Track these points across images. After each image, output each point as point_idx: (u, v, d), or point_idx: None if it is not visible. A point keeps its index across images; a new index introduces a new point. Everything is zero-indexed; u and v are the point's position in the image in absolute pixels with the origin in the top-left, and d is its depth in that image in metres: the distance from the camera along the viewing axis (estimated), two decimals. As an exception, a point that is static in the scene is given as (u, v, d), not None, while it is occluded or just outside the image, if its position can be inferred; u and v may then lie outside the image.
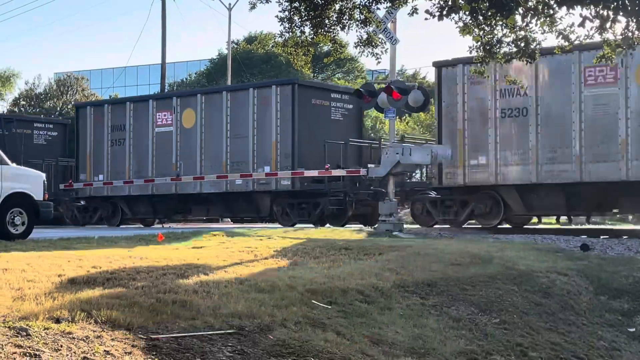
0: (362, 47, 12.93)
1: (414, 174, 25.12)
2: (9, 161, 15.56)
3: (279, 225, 24.04)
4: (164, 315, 6.97)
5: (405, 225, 20.71)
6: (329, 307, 8.42)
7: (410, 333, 8.32)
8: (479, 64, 12.45)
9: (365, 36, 12.90)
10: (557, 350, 9.44)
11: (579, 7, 9.86)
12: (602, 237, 18.92)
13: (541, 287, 11.51)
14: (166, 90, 46.41)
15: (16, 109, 56.89)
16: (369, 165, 21.68)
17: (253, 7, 12.73)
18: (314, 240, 14.37)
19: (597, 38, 10.71)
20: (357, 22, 12.57)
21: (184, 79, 61.73)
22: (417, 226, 22.69)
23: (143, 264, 9.64)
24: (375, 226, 20.26)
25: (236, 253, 11.71)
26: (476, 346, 8.67)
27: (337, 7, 12.34)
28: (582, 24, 9.93)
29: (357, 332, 7.87)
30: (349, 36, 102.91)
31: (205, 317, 7.13)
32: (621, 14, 10.00)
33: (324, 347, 7.11)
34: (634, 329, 11.04)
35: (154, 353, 6.10)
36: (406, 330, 8.39)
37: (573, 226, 25.83)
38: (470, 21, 10.88)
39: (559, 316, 10.65)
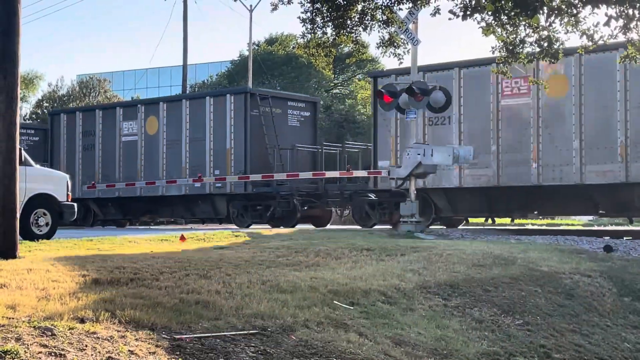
0: (384, 47, 12.92)
1: None
2: (32, 162, 15.69)
3: None
4: (187, 316, 7.00)
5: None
6: (351, 308, 8.42)
7: (433, 334, 8.30)
8: (501, 64, 12.41)
9: (387, 37, 12.89)
10: (581, 352, 9.39)
11: (604, 6, 9.80)
12: (625, 238, 18.77)
13: (564, 288, 11.44)
14: (188, 91, 46.37)
15: (39, 111, 57.32)
16: (390, 167, 21.58)
17: (275, 8, 12.75)
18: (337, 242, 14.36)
19: (621, 38, 10.64)
20: (379, 23, 12.55)
21: (205, 80, 61.96)
22: (439, 227, 22.39)
23: (166, 264, 9.68)
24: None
25: (258, 254, 11.73)
26: (499, 347, 8.63)
27: (359, 7, 12.34)
28: (607, 23, 9.87)
29: (380, 333, 7.86)
30: (370, 37, 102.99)
31: (228, 318, 7.15)
32: (647, 13, 9.92)
33: (347, 347, 7.11)
34: (658, 331, 10.93)
35: (178, 353, 6.13)
36: (429, 331, 8.37)
37: (596, 227, 25.67)
38: (494, 21, 10.85)
39: (583, 318, 10.58)
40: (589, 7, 10.17)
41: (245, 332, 6.88)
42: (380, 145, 23.39)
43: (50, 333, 5.95)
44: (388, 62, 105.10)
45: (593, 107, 20.00)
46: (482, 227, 24.16)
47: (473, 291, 10.23)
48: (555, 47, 11.21)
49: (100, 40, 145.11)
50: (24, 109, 57.21)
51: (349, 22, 12.51)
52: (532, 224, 27.10)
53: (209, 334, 6.64)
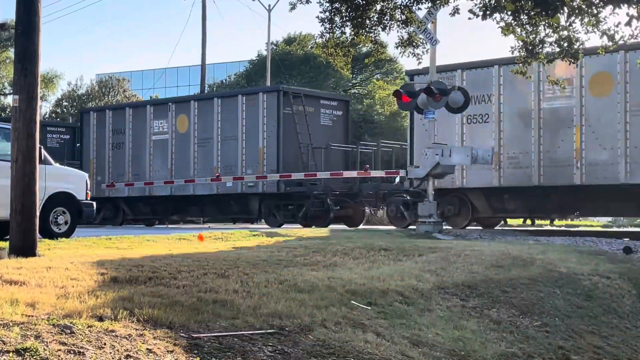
0: (403, 47, 12.91)
1: None
2: (52, 161, 15.76)
3: None
4: (205, 315, 7.01)
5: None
6: (369, 308, 8.41)
7: (451, 335, 8.27)
8: (520, 65, 12.36)
9: (406, 36, 12.88)
10: (600, 354, 9.33)
11: (625, 5, 9.73)
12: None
13: (583, 289, 11.38)
14: (206, 91, 46.45)
15: (58, 110, 57.65)
16: (409, 167, 21.52)
17: (293, 7, 12.76)
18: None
19: (642, 37, 10.57)
20: (397, 23, 12.54)
21: (223, 80, 62.08)
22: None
23: (184, 263, 9.70)
24: (415, 227, 20.14)
25: (275, 253, 11.74)
26: (517, 349, 8.59)
27: (378, 7, 12.33)
28: (628, 23, 9.81)
29: (397, 333, 7.84)
30: (389, 37, 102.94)
31: (246, 317, 7.15)
32: (669, 12, 9.85)
33: (364, 347, 7.10)
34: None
35: (196, 352, 6.13)
36: (446, 332, 8.34)
37: (615, 228, 25.51)
38: (513, 21, 10.81)
39: (602, 319, 10.52)
40: (609, 7, 10.10)
41: (263, 331, 6.88)
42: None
43: (69, 331, 5.98)
44: (406, 62, 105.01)
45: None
46: (500, 228, 24.06)
47: (491, 292, 10.20)
48: (575, 47, 11.14)
49: (120, 40, 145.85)
50: (44, 108, 57.55)
51: (367, 21, 12.50)
52: (551, 225, 26.97)
53: (227, 333, 6.64)
